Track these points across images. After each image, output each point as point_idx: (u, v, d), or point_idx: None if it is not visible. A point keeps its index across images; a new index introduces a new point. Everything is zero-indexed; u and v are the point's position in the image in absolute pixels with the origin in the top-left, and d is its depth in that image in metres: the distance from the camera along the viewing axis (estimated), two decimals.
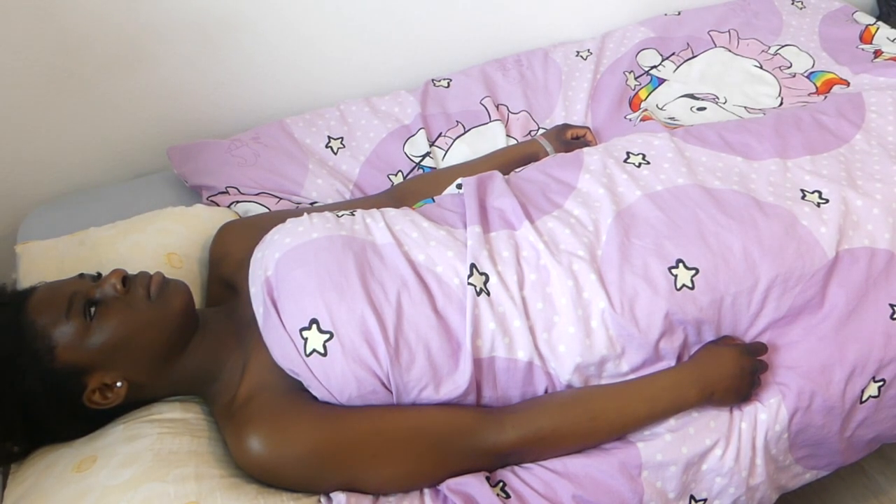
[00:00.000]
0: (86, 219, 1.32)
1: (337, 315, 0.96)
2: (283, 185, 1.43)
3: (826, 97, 1.59)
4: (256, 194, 1.40)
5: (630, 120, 1.58)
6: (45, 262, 1.18)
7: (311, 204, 1.41)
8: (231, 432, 0.95)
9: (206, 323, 1.04)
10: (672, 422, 1.04)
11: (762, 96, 1.63)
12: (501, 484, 0.98)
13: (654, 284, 1.05)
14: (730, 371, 1.05)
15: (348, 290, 0.97)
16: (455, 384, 0.98)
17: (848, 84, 1.62)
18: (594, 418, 1.01)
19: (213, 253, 1.21)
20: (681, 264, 1.07)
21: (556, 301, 1.04)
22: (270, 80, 1.61)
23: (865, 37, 1.76)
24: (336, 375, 0.94)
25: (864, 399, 1.10)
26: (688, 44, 1.76)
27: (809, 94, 1.62)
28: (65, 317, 0.92)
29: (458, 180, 1.24)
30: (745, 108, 1.60)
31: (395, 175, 1.48)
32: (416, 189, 1.33)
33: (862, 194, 1.18)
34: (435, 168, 1.49)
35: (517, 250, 1.08)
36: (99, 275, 1.01)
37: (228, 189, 1.40)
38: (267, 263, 1.03)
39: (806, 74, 1.67)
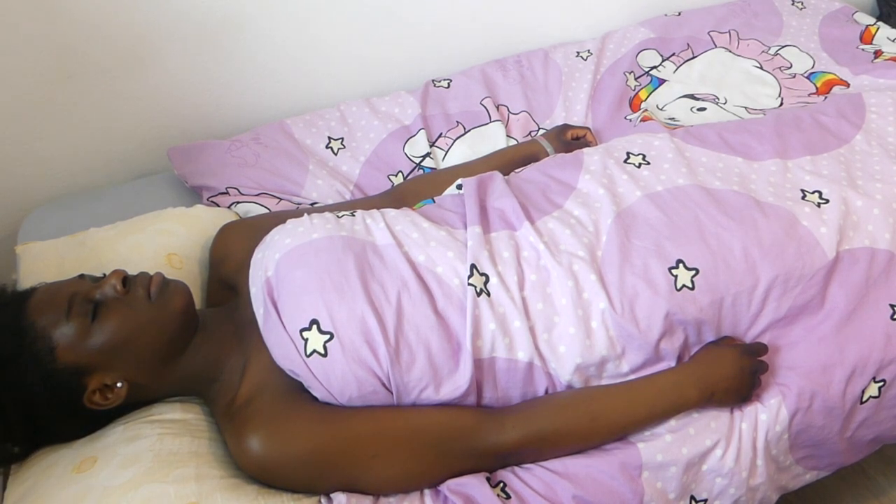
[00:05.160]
0: (86, 219, 1.32)
1: (337, 316, 0.96)
2: (283, 185, 1.43)
3: (826, 98, 1.59)
4: (257, 195, 1.41)
5: (630, 120, 1.59)
6: (45, 262, 1.18)
7: (312, 204, 1.41)
8: (231, 433, 0.95)
9: (206, 324, 1.04)
10: (672, 422, 1.04)
11: (762, 97, 1.63)
12: (502, 484, 0.98)
13: (654, 285, 1.05)
14: (730, 371, 1.05)
15: (348, 291, 0.97)
16: (455, 385, 0.98)
17: (848, 85, 1.62)
18: (595, 419, 1.01)
19: (214, 254, 1.21)
20: (681, 265, 1.07)
21: (556, 301, 1.04)
22: (271, 81, 1.61)
23: (865, 37, 1.76)
24: (336, 376, 0.94)
25: (864, 399, 1.10)
26: (688, 44, 1.76)
27: (809, 95, 1.62)
28: (65, 318, 0.92)
29: (459, 181, 1.24)
30: (745, 108, 1.60)
31: (396, 176, 1.48)
32: (416, 189, 1.33)
33: (862, 195, 1.18)
34: (435, 169, 1.49)
35: (517, 251, 1.08)
36: (101, 276, 1.01)
37: (229, 190, 1.40)
38: (267, 264, 1.03)
39: (806, 75, 1.67)
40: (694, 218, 1.12)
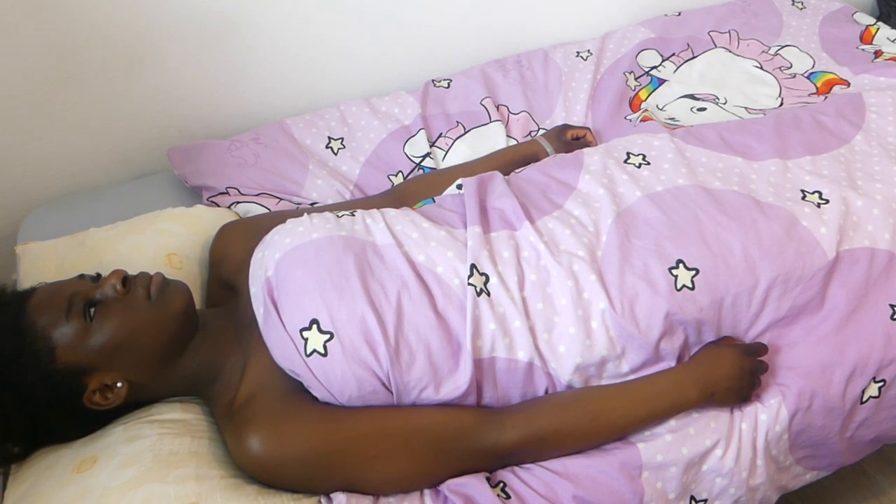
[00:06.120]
0: (86, 219, 1.32)
1: (337, 315, 0.96)
2: (283, 185, 1.43)
3: (826, 97, 1.59)
4: (257, 195, 1.41)
5: (630, 120, 1.58)
6: (45, 262, 1.18)
7: (312, 204, 1.41)
8: (231, 433, 0.95)
9: (206, 323, 1.04)
10: (672, 422, 1.04)
11: (762, 97, 1.63)
12: (502, 484, 0.98)
13: (654, 285, 1.05)
14: (730, 371, 1.05)
15: (348, 291, 0.97)
16: (455, 384, 0.98)
17: (848, 84, 1.62)
18: (595, 419, 1.01)
19: (214, 253, 1.21)
20: (681, 265, 1.07)
21: (556, 301, 1.04)
22: (271, 81, 1.61)
23: (865, 37, 1.76)
24: (336, 376, 0.94)
25: (864, 399, 1.10)
26: (688, 44, 1.76)
27: (810, 95, 1.62)
28: (65, 318, 0.92)
29: (459, 181, 1.24)
30: (745, 108, 1.60)
31: (396, 176, 1.48)
32: (416, 189, 1.33)
33: (862, 195, 1.18)
34: (435, 169, 1.49)
35: (517, 250, 1.08)
36: (99, 275, 1.01)
37: (229, 190, 1.40)
38: (267, 264, 1.03)
39: (806, 75, 1.67)
40: (694, 218, 1.12)
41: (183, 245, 1.24)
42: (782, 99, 1.62)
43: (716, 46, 1.76)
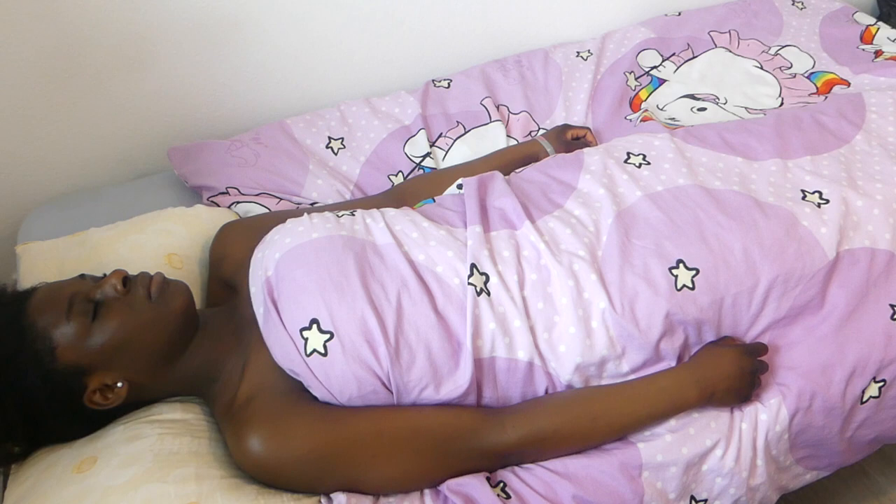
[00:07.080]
0: (86, 219, 1.32)
1: (337, 315, 0.96)
2: (283, 185, 1.43)
3: (826, 97, 1.59)
4: (257, 195, 1.41)
5: (630, 120, 1.58)
6: (45, 262, 1.18)
7: (312, 204, 1.41)
8: (231, 433, 0.95)
9: (206, 323, 1.04)
10: (672, 422, 1.04)
11: (762, 97, 1.63)
12: (502, 484, 0.98)
13: (654, 285, 1.05)
14: (730, 371, 1.05)
15: (348, 290, 0.97)
16: (455, 384, 0.98)
17: (848, 84, 1.62)
18: (595, 419, 1.01)
19: (214, 253, 1.21)
20: (681, 265, 1.07)
21: (556, 301, 1.04)
22: (271, 81, 1.61)
23: (866, 37, 1.76)
24: (336, 375, 0.94)
25: (864, 399, 1.10)
26: (688, 44, 1.76)
27: (810, 95, 1.62)
28: (65, 317, 0.92)
29: (459, 180, 1.24)
30: (745, 108, 1.60)
31: (396, 175, 1.48)
32: (416, 189, 1.33)
33: (862, 195, 1.18)
34: (435, 168, 1.49)
35: (518, 250, 1.08)
36: (102, 275, 1.01)
37: (229, 189, 1.40)
38: (267, 263, 1.03)
39: (806, 75, 1.67)
40: (694, 218, 1.12)
41: (183, 245, 1.24)
42: (782, 99, 1.62)
43: (716, 46, 1.76)
